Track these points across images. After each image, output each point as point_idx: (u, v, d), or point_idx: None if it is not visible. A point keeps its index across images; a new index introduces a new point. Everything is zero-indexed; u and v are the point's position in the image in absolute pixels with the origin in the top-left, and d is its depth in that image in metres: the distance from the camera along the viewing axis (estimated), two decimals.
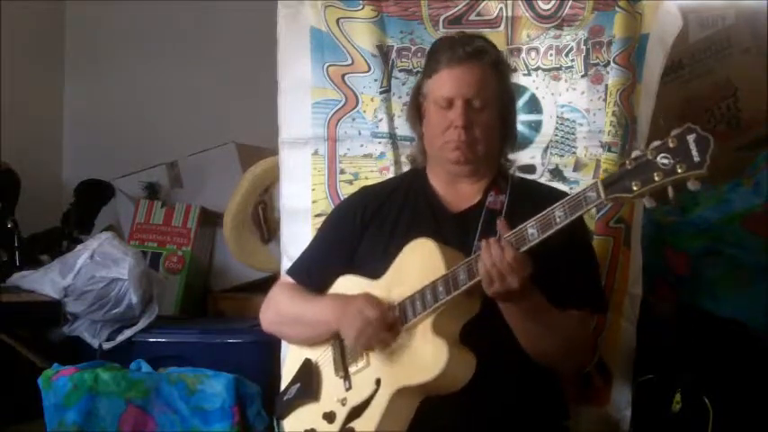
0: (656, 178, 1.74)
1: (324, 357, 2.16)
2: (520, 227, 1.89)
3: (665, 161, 1.74)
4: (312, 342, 2.20)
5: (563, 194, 2.21)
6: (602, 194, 1.81)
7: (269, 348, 2.73)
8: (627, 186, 1.78)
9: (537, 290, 1.95)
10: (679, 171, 1.72)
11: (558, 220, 1.85)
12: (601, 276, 2.35)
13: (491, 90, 2.13)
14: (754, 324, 2.68)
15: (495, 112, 2.14)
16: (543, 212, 1.87)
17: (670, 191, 1.75)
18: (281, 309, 2.27)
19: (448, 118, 2.11)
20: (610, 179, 1.81)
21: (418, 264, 2.03)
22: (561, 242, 1.91)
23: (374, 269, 2.13)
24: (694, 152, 1.71)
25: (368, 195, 2.31)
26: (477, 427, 2.00)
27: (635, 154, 1.79)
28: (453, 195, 2.20)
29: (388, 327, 2.01)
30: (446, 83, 2.11)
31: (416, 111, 2.22)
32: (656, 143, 1.76)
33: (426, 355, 1.95)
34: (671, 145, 1.74)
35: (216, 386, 2.81)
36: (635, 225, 2.58)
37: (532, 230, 1.87)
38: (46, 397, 2.78)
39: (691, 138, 1.72)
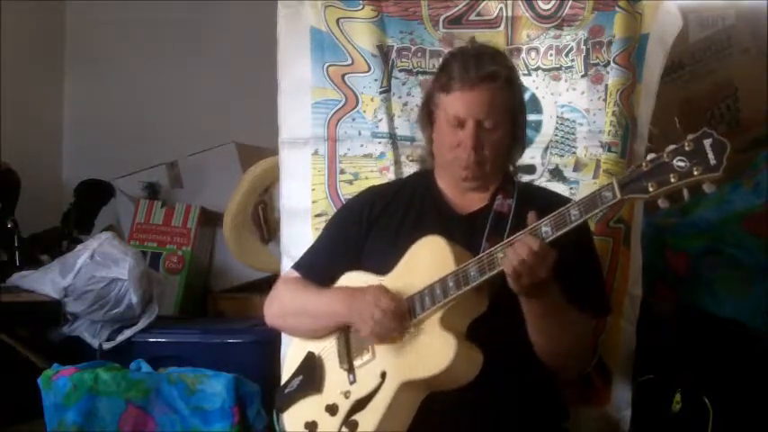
0: (672, 180, 1.77)
1: (327, 350, 2.16)
2: (534, 224, 1.91)
3: (682, 163, 1.76)
4: (317, 335, 2.19)
5: (568, 200, 2.23)
6: (618, 194, 1.82)
7: (269, 348, 2.73)
8: (643, 187, 1.80)
9: (557, 286, 1.96)
10: (695, 173, 1.75)
11: (572, 218, 1.86)
12: (604, 278, 2.35)
13: (502, 109, 2.13)
14: (754, 324, 2.68)
15: (505, 129, 2.15)
16: (558, 210, 1.88)
17: (685, 193, 1.77)
18: (286, 301, 2.27)
19: (458, 136, 2.12)
20: (626, 179, 1.82)
21: (428, 260, 2.04)
22: (566, 245, 1.91)
23: (379, 267, 2.13)
24: (710, 155, 1.74)
25: (375, 195, 2.31)
26: (478, 426, 2.00)
27: (651, 156, 1.81)
28: (461, 198, 2.21)
29: (402, 317, 2.01)
30: (458, 104, 2.12)
31: (427, 116, 2.23)
32: (673, 146, 1.79)
33: (434, 349, 1.96)
34: (687, 148, 1.77)
35: (216, 386, 2.80)
36: (635, 225, 2.58)
37: (546, 228, 1.89)
38: (46, 397, 2.78)
39: (707, 142, 1.76)
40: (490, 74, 2.12)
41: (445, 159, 2.18)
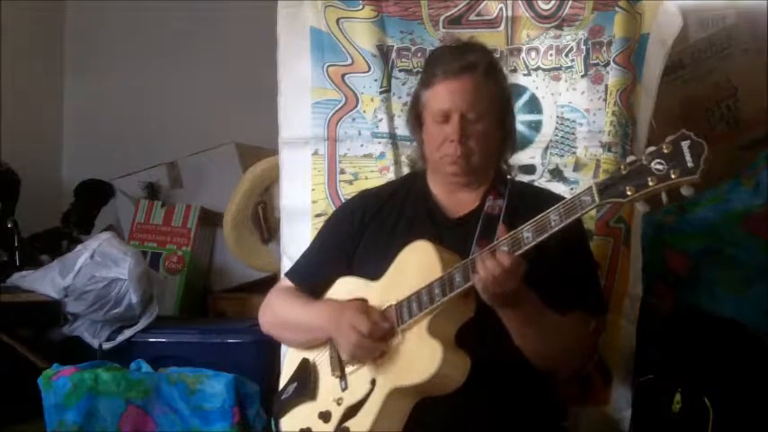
0: (650, 183, 1.75)
1: (321, 357, 2.17)
2: (515, 230, 1.90)
3: (660, 167, 1.75)
4: (308, 346, 2.20)
5: (562, 198, 2.22)
6: (597, 199, 1.81)
7: (269, 348, 2.72)
8: (621, 191, 1.79)
9: (533, 294, 1.96)
10: (673, 177, 1.73)
11: (552, 223, 1.85)
12: (599, 278, 2.35)
13: (486, 100, 2.13)
14: (754, 324, 2.68)
15: (491, 121, 2.14)
16: (538, 216, 1.87)
17: (664, 196, 1.76)
18: (278, 313, 2.27)
19: (444, 131, 2.12)
20: (604, 183, 1.82)
21: (416, 265, 2.04)
22: (558, 245, 1.91)
23: (372, 271, 2.13)
24: (688, 158, 1.72)
25: (367, 198, 2.31)
26: (475, 428, 2.00)
27: (630, 159, 1.80)
28: (452, 201, 2.20)
29: (381, 338, 2.02)
30: (441, 97, 2.12)
31: (416, 117, 2.22)
32: (651, 149, 1.77)
33: (421, 357, 1.95)
34: (665, 151, 1.75)
35: (216, 386, 2.80)
36: (635, 225, 2.58)
37: (527, 234, 1.88)
38: (46, 397, 2.78)
39: (685, 144, 1.74)
40: (469, 64, 2.12)
41: (435, 158, 2.17)
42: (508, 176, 2.25)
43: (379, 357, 2.03)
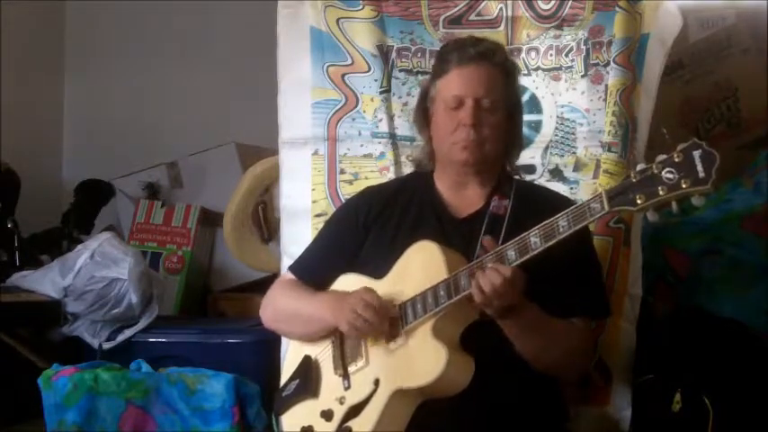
0: (661, 193, 1.74)
1: (324, 355, 2.16)
2: (523, 235, 1.89)
3: (670, 176, 1.74)
4: (309, 339, 2.20)
5: (566, 199, 2.22)
6: (606, 206, 1.81)
7: (269, 348, 2.73)
8: (631, 199, 1.78)
9: (533, 303, 1.95)
10: (683, 186, 1.73)
11: (561, 229, 1.85)
12: (603, 280, 2.35)
13: (500, 90, 2.13)
14: (754, 324, 2.68)
15: (503, 114, 2.14)
16: (547, 221, 1.86)
17: (674, 205, 1.75)
18: (279, 305, 2.27)
19: (457, 117, 2.11)
20: (614, 191, 1.81)
21: (421, 266, 2.03)
22: (563, 249, 1.90)
23: (376, 270, 2.13)
24: (699, 168, 1.72)
25: (372, 195, 2.30)
26: (478, 429, 2.00)
27: (640, 167, 1.79)
28: (458, 200, 2.19)
29: (386, 317, 2.01)
30: (456, 82, 2.11)
31: (423, 115, 2.22)
32: (662, 157, 1.76)
33: (425, 359, 1.95)
34: (676, 159, 1.74)
35: (216, 386, 2.80)
36: (635, 225, 2.58)
37: (535, 239, 1.87)
38: (46, 397, 2.78)
39: (696, 153, 1.73)
40: (487, 50, 2.12)
41: (444, 147, 2.16)
42: (515, 177, 2.25)
43: (383, 352, 2.02)
